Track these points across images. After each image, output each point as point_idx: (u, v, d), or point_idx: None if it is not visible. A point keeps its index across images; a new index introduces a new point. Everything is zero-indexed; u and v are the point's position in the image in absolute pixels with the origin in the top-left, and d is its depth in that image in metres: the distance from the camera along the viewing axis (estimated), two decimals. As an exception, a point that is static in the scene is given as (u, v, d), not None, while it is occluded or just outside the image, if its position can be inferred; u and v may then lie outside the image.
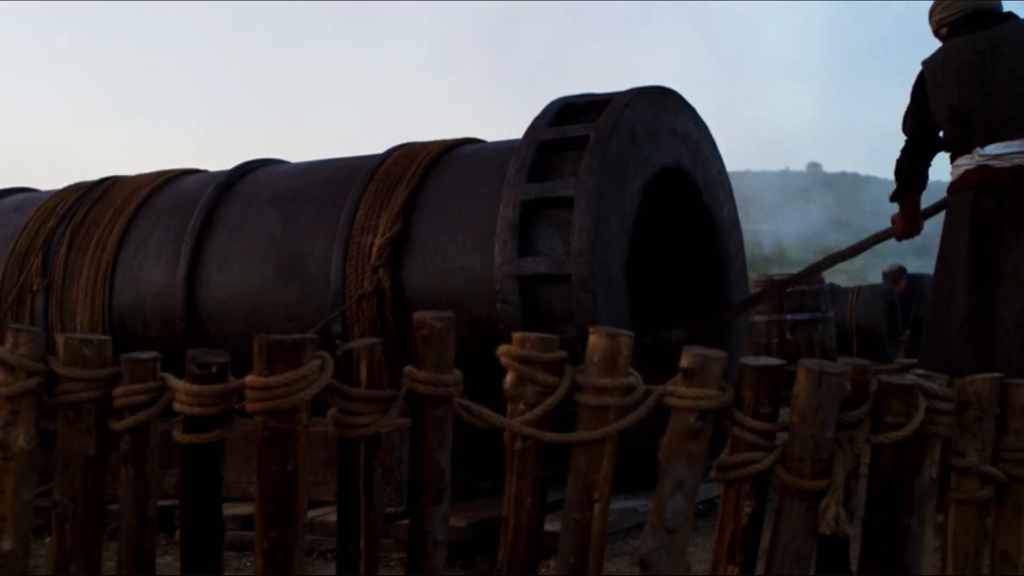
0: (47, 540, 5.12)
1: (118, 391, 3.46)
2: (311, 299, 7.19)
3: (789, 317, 15.34)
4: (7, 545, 3.52)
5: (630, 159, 6.87)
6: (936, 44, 6.59)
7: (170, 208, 7.94)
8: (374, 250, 6.96)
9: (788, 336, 15.32)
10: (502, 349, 3.63)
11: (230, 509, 6.24)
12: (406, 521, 6.08)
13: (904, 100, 6.68)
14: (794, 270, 18.32)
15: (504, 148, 7.30)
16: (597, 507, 3.62)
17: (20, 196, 9.12)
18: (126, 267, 7.77)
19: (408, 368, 3.52)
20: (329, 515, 6.19)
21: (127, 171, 8.74)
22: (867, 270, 46.47)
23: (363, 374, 3.47)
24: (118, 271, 7.76)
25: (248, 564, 6.12)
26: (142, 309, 7.66)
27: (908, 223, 6.93)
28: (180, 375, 3.47)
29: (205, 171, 8.59)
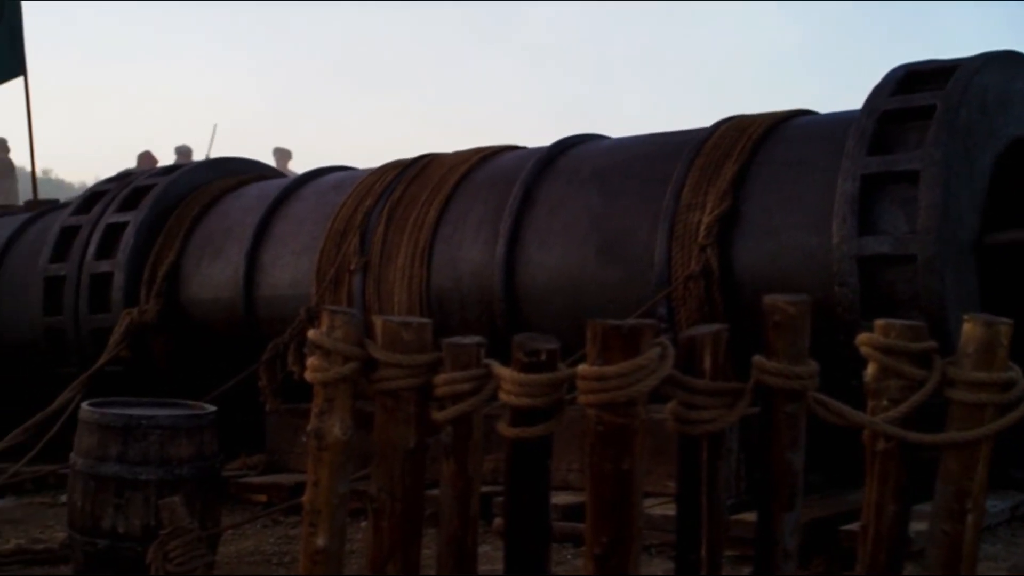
0: (363, 524, 4.92)
1: (440, 379, 3.19)
2: (634, 280, 6.86)
3: None
4: (321, 541, 3.31)
5: (980, 130, 6.32)
6: None
7: (488, 185, 7.72)
8: (702, 228, 6.58)
9: None
10: (863, 338, 3.23)
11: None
12: (737, 516, 5.77)
13: None
14: None
15: (841, 119, 6.82)
16: (970, 518, 3.20)
17: (338, 174, 9.08)
18: (444, 246, 7.59)
19: (757, 358, 3.15)
20: (654, 507, 5.86)
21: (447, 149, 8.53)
22: None
23: (707, 364, 3.12)
24: (436, 250, 7.59)
25: (568, 557, 5.85)
26: (460, 289, 7.47)
27: None
28: (499, 359, 3.18)
29: (523, 147, 8.35)
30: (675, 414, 3.12)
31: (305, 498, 3.33)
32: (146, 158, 20.30)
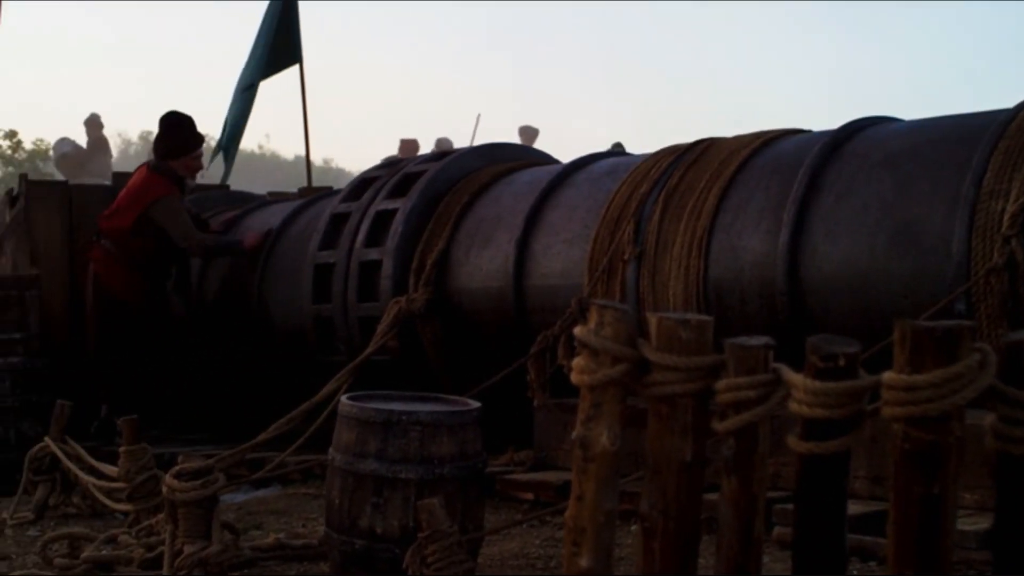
0: (632, 527, 4.57)
1: (721, 384, 2.81)
2: (928, 273, 6.35)
3: None
4: (585, 562, 2.98)
5: None
6: None
7: (771, 171, 7.29)
8: (1006, 218, 6.04)
9: None
10: None
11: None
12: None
13: None
14: None
15: None
16: None
17: (613, 160, 8.78)
18: (723, 235, 7.19)
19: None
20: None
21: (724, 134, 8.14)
22: None
23: (1036, 373, 2.67)
24: (714, 240, 7.20)
25: (854, 573, 5.42)
26: (740, 281, 7.06)
27: None
28: (781, 357, 2.80)
29: (808, 131, 7.90)
30: (996, 430, 2.69)
31: (568, 514, 3.00)
32: (409, 145, 20.32)
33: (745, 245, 7.08)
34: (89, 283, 10.19)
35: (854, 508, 5.72)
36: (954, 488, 2.64)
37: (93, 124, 22.34)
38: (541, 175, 8.82)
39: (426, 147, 20.88)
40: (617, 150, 17.39)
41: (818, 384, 2.66)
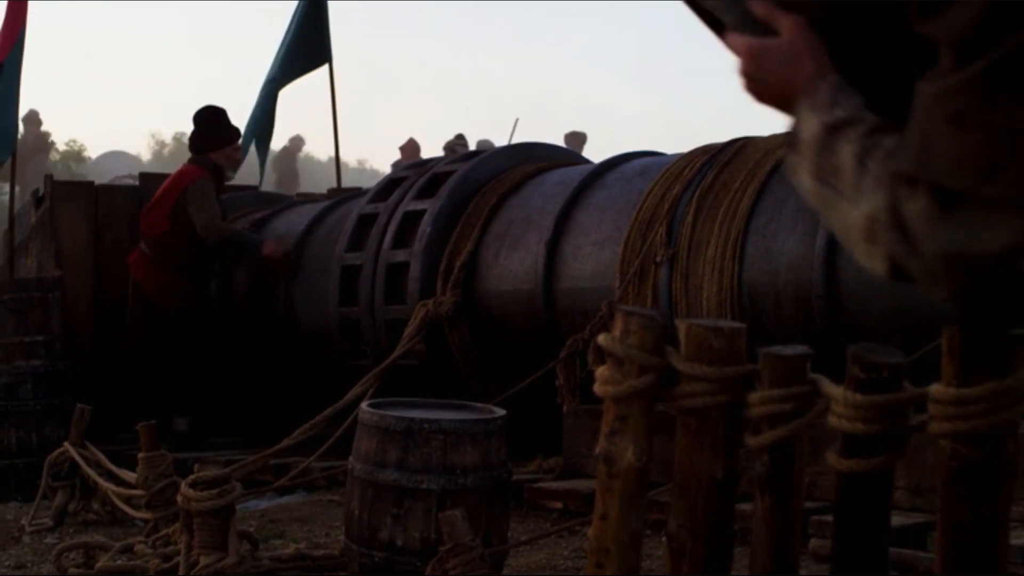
0: (664, 538, 4.44)
1: (755, 396, 2.61)
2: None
3: None
4: (609, 584, 2.78)
5: None
6: None
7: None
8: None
9: None
10: None
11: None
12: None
13: None
14: None
15: None
16: None
17: (645, 160, 8.59)
18: (758, 237, 7.00)
19: None
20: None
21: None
22: None
23: (1096, 385, 2.47)
24: (749, 241, 7.01)
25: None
26: (775, 284, 6.87)
27: None
28: (820, 363, 2.62)
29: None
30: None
31: (591, 532, 2.81)
32: (409, 146, 20.16)
33: (780, 247, 6.90)
34: (130, 289, 10.09)
35: (894, 520, 5.48)
36: (1006, 510, 2.45)
37: (31, 121, 22.04)
38: (571, 175, 8.67)
39: (426, 148, 20.66)
40: (459, 143, 17.15)
41: (859, 397, 2.47)
